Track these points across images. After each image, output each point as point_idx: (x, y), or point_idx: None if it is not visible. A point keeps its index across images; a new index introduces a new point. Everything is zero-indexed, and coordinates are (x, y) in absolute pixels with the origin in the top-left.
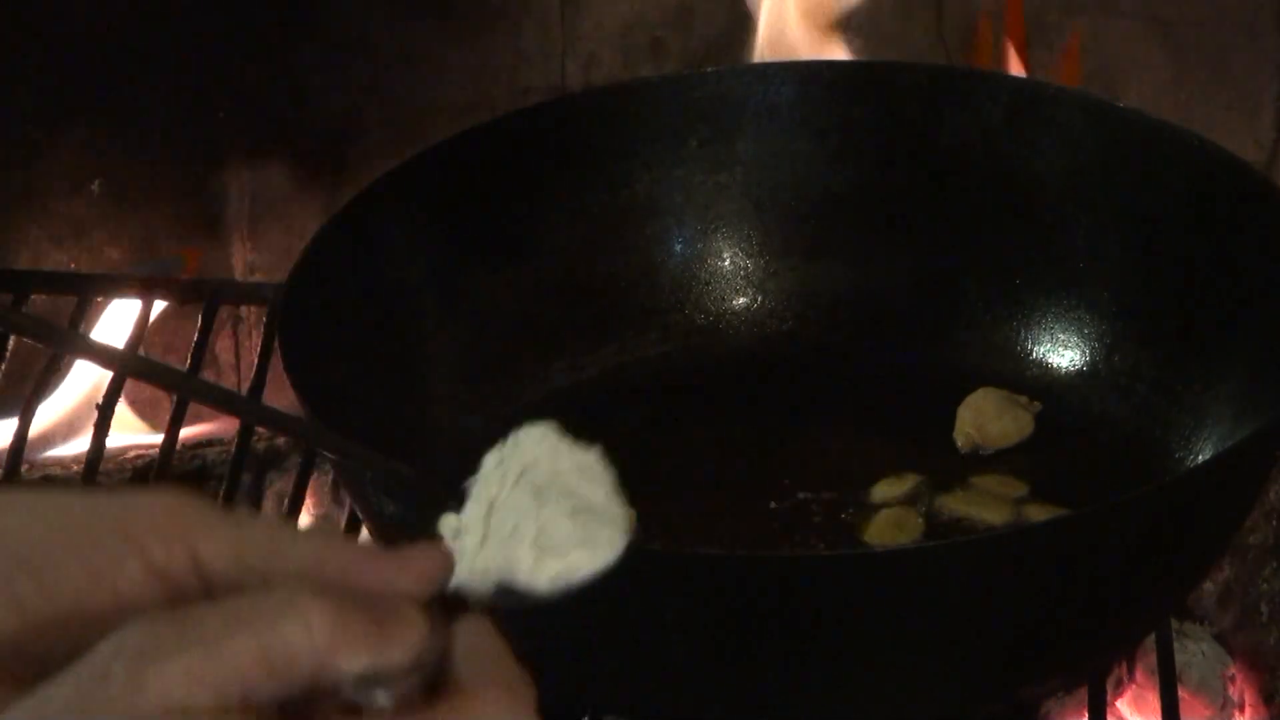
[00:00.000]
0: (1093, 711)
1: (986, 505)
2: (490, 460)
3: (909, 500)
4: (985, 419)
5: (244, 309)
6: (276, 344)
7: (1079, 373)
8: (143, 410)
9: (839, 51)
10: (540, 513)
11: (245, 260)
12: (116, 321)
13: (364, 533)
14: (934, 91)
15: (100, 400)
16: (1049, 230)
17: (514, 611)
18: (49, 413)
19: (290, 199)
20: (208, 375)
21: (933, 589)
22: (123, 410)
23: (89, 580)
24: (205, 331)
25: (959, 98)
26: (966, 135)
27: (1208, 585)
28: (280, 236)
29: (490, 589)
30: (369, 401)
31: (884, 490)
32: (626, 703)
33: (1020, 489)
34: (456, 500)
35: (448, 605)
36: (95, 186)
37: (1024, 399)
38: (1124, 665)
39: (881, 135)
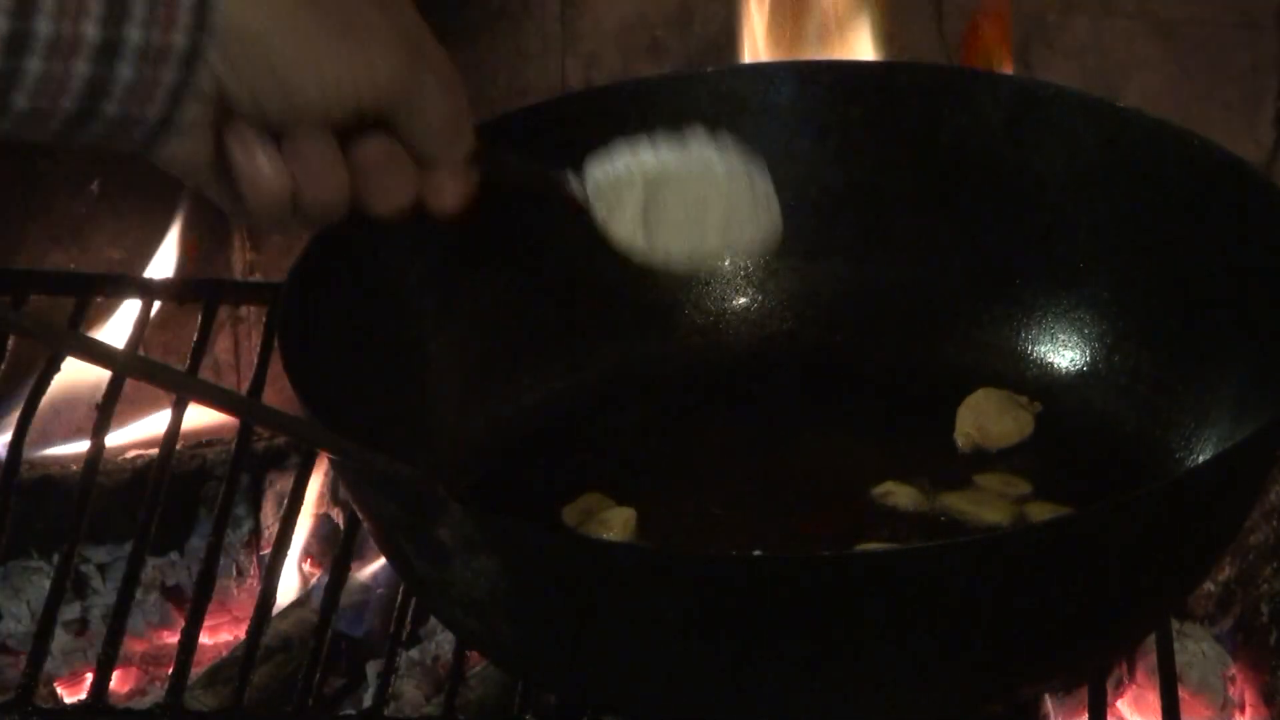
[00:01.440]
0: (1093, 711)
1: (988, 504)
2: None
3: (914, 501)
4: (985, 419)
5: (244, 309)
6: (276, 344)
7: (1079, 373)
8: (142, 411)
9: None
10: None
11: (245, 260)
12: (117, 321)
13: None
14: (934, 91)
15: (100, 400)
16: (1049, 230)
17: (513, 609)
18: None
19: None
20: (208, 375)
21: (933, 589)
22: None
23: (318, 109)
24: (205, 331)
25: (959, 98)
26: (966, 135)
27: (1208, 585)
28: (280, 237)
29: None
30: (369, 401)
31: (886, 491)
32: (626, 703)
33: (1023, 488)
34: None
35: None
36: (95, 186)
37: (1024, 399)
38: (1124, 665)
39: (881, 135)
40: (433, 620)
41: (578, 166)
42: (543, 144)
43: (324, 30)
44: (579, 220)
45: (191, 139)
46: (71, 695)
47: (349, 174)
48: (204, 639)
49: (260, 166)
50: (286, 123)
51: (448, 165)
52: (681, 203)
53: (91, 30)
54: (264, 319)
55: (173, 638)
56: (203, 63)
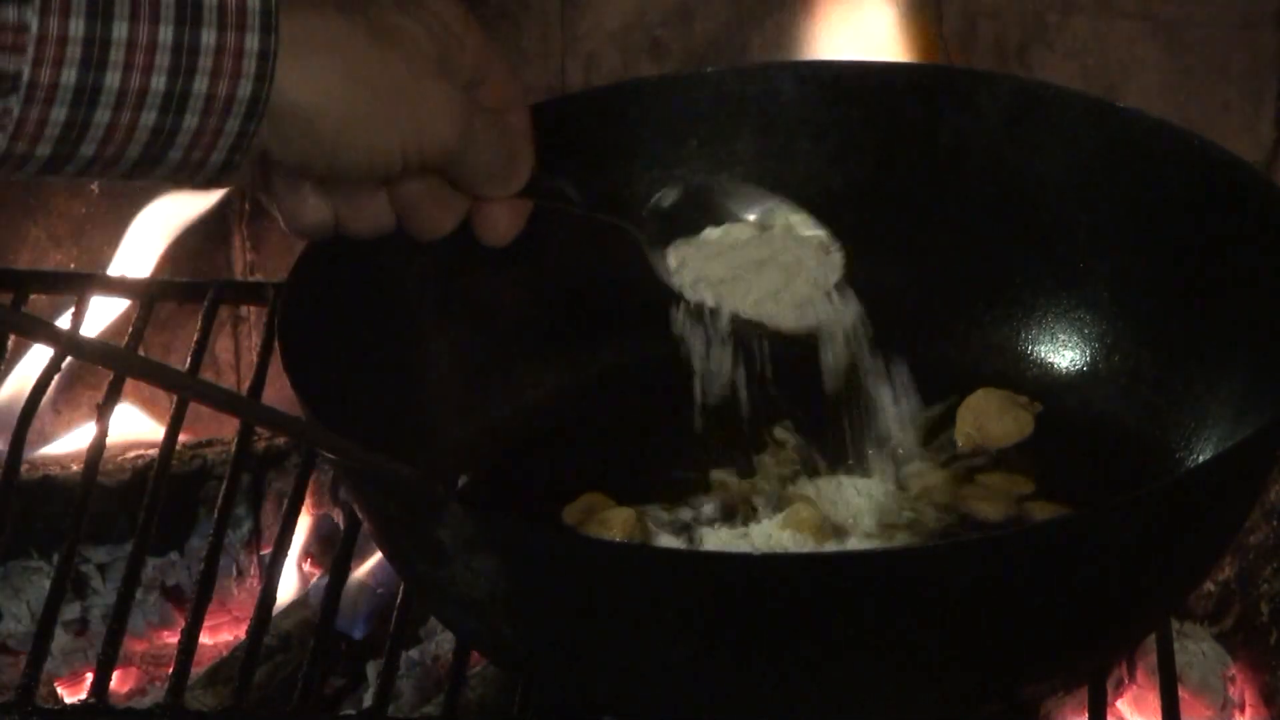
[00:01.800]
0: (1093, 711)
1: (989, 504)
2: None
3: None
4: (986, 419)
5: (244, 309)
6: (276, 344)
7: (1079, 373)
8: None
9: None
10: None
11: (245, 260)
12: (117, 321)
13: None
14: (934, 91)
15: (100, 400)
16: (1049, 230)
17: (513, 609)
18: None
19: None
20: (208, 375)
21: (933, 589)
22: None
23: (363, 173)
24: (205, 331)
25: (959, 98)
26: (966, 135)
27: (1208, 585)
28: (280, 236)
29: None
30: (369, 401)
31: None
32: (626, 703)
33: (1024, 487)
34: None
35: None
36: (95, 186)
37: (1024, 399)
38: (1124, 665)
39: (881, 135)
40: (433, 620)
41: (574, 168)
42: (543, 145)
43: (374, 105)
44: (578, 220)
45: (240, 175)
46: (71, 695)
47: (392, 206)
48: (204, 639)
49: (301, 202)
50: (332, 180)
51: (500, 201)
52: (760, 276)
53: (159, 83)
54: (264, 319)
55: (173, 638)
56: (263, 113)
